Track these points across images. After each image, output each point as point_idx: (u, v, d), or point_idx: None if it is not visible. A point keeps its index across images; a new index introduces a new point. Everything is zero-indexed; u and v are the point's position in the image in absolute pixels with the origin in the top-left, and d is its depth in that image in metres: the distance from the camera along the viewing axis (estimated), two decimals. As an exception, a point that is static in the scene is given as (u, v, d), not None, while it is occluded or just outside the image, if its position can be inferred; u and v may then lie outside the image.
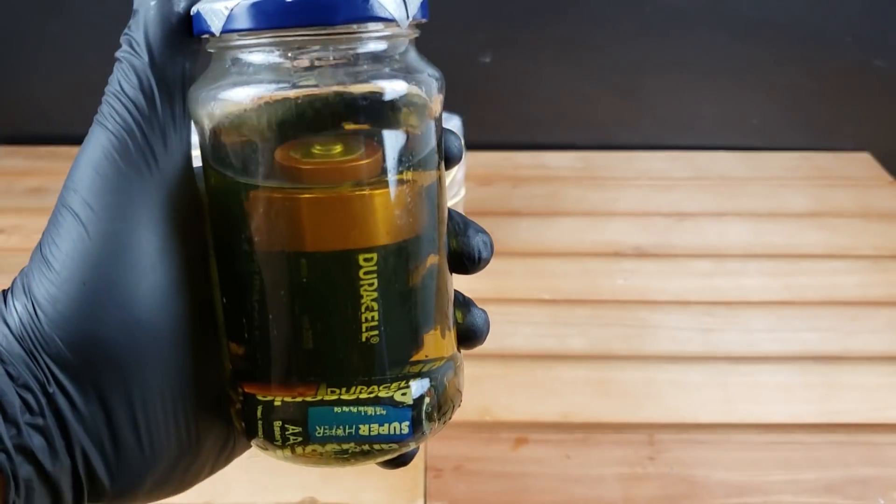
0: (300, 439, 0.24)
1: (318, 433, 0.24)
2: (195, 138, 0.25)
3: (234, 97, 0.23)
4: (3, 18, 0.87)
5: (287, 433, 0.24)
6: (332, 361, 0.24)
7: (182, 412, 0.24)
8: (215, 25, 0.23)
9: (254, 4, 0.22)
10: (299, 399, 0.24)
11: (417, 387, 0.25)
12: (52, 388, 0.22)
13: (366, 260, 0.23)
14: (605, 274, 0.70)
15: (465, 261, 0.27)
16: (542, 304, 0.66)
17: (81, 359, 0.22)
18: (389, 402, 0.25)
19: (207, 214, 0.25)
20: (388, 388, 0.25)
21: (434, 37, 0.25)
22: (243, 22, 0.22)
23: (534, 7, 0.88)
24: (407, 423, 0.25)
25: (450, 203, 0.68)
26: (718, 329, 0.63)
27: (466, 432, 0.51)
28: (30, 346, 0.22)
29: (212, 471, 0.27)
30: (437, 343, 0.26)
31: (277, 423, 0.24)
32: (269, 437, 0.25)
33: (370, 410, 0.24)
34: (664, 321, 0.63)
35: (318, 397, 0.24)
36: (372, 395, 0.24)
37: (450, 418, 0.27)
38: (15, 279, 0.24)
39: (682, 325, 0.63)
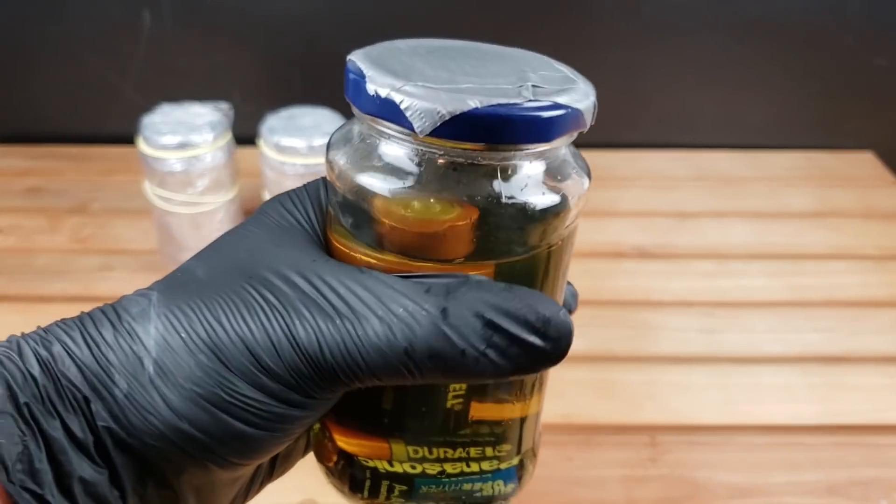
0: (403, 499, 0.25)
1: (423, 491, 0.24)
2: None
3: (390, 187, 0.21)
4: (3, 19, 0.86)
5: (393, 494, 0.25)
6: (424, 425, 0.24)
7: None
8: (419, 126, 0.20)
9: (478, 116, 0.19)
10: (401, 470, 0.24)
11: (521, 445, 0.25)
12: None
13: None
14: (606, 274, 0.70)
15: None
16: (543, 304, 0.65)
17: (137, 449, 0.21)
18: (497, 466, 0.25)
19: None
20: (495, 449, 0.24)
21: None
22: (458, 132, 0.20)
23: (534, 7, 0.88)
24: (513, 483, 0.25)
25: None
26: (720, 330, 0.62)
27: (467, 434, 0.51)
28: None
29: None
30: (533, 399, 0.26)
31: (385, 482, 0.24)
32: (374, 495, 0.25)
33: (475, 471, 0.24)
34: (666, 322, 0.63)
35: (421, 468, 0.24)
36: (478, 458, 0.24)
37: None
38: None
39: (683, 325, 0.63)
